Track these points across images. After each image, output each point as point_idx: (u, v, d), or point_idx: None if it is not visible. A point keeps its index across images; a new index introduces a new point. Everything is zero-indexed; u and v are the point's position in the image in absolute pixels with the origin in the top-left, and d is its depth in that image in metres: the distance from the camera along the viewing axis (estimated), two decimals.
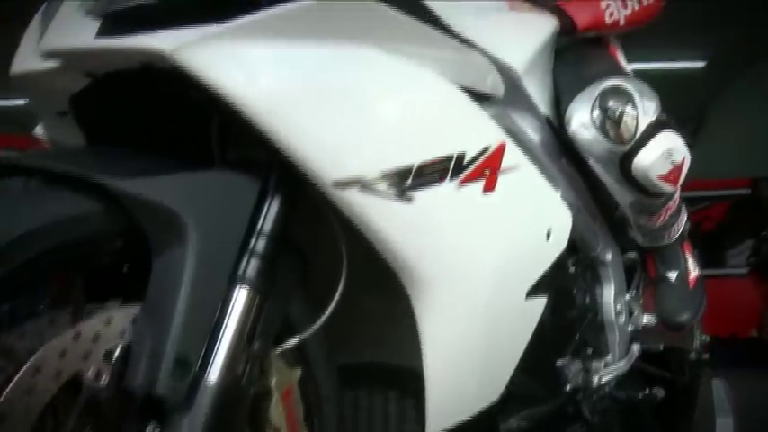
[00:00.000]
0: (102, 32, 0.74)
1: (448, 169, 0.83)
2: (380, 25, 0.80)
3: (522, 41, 1.20)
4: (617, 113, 1.21)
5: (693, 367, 1.87)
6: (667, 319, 1.51)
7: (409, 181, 0.80)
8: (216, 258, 0.73)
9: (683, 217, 1.53)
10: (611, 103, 1.22)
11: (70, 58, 0.79)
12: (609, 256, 1.41)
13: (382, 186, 0.77)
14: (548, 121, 1.28)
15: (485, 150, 0.88)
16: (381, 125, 0.79)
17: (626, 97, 1.23)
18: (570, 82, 1.32)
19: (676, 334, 1.70)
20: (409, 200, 0.80)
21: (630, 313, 1.49)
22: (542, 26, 1.28)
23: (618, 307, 1.41)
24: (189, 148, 0.80)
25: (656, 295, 1.54)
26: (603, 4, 1.43)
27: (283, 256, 0.81)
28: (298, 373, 0.87)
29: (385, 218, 0.78)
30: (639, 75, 1.60)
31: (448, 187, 0.84)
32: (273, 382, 0.83)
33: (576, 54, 1.43)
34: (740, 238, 7.70)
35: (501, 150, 0.91)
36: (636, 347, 1.44)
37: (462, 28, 1.09)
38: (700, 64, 9.60)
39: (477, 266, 0.89)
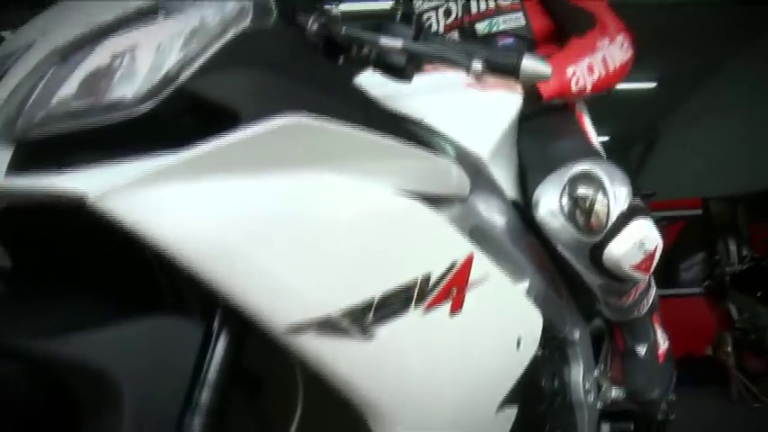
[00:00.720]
0: (14, 166, 0.64)
1: (412, 296, 0.76)
2: (329, 147, 0.73)
3: (487, 126, 1.14)
4: (587, 203, 1.16)
5: (661, 428, 1.83)
6: (637, 394, 1.46)
7: (370, 315, 0.72)
8: (155, 420, 0.65)
9: (653, 290, 1.49)
10: (580, 191, 1.16)
11: None
12: (576, 335, 1.36)
13: (341, 325, 0.70)
14: (514, 203, 1.23)
15: (452, 266, 0.82)
16: (338, 258, 0.71)
17: (596, 184, 1.17)
18: (537, 159, 1.26)
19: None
20: (371, 336, 0.72)
21: (599, 388, 1.44)
22: (506, 107, 1.22)
23: (587, 386, 1.36)
24: (124, 278, 0.72)
25: (625, 369, 1.50)
26: (570, 71, 1.39)
27: (235, 389, 0.73)
28: None
29: (345, 359, 0.71)
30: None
31: (412, 316, 0.77)
32: None
33: (542, 123, 1.38)
34: (694, 258, 7.86)
35: (469, 263, 0.85)
36: (606, 428, 1.39)
37: (423, 113, 1.03)
38: (651, 84, 9.85)
39: (443, 393, 0.82)
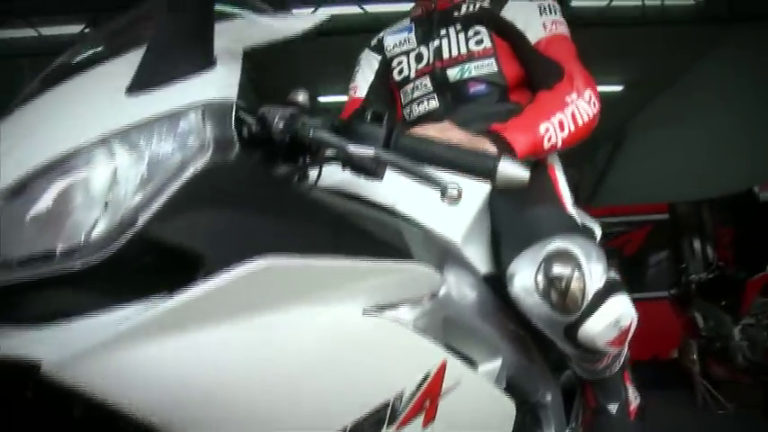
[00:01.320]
0: None
1: (384, 418, 0.74)
2: (297, 283, 0.70)
3: (458, 211, 1.12)
4: (563, 282, 1.14)
5: None
6: None
7: None
8: None
9: (625, 349, 1.49)
10: (556, 270, 1.14)
11: None
12: (548, 398, 1.35)
13: None
14: (488, 277, 1.21)
15: (425, 378, 0.80)
16: (310, 393, 0.69)
17: (572, 263, 1.15)
18: (511, 230, 1.25)
19: None
20: None
21: None
22: (477, 190, 1.20)
23: None
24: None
25: (595, 426, 1.50)
26: (543, 129, 1.37)
27: None
28: None
29: None
30: None
31: None
32: None
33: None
34: (661, 262, 7.99)
35: (442, 371, 0.83)
36: None
37: (395, 199, 1.01)
38: (617, 88, 10.00)
39: None
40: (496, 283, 1.22)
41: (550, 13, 1.56)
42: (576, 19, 7.04)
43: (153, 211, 0.62)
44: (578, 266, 1.15)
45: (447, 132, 1.31)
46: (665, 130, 10.18)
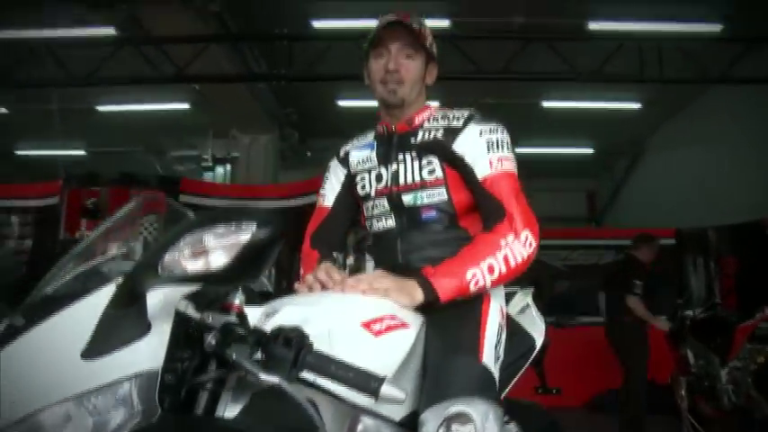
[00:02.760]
0: None
1: None
2: None
3: (381, 365, 1.31)
4: None
5: None
6: None
7: None
8: None
9: None
10: (455, 429, 1.34)
11: None
12: None
13: None
14: (409, 416, 1.41)
15: None
16: None
17: (470, 425, 1.35)
18: (432, 375, 1.44)
19: None
20: None
21: None
22: (399, 345, 1.40)
23: None
24: None
25: None
26: (470, 274, 1.55)
27: None
28: None
29: None
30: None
31: None
32: None
33: (445, 315, 1.55)
34: (664, 287, 8.05)
35: None
36: None
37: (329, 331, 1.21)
38: (636, 105, 10.08)
39: None
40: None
41: (498, 149, 1.72)
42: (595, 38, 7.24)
43: None
44: (473, 428, 1.35)
45: (378, 281, 1.51)
46: (678, 153, 10.21)
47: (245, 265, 0.95)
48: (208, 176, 10.80)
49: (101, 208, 5.78)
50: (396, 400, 0.99)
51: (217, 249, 0.95)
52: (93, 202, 5.80)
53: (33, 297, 1.11)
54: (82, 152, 12.59)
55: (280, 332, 1.02)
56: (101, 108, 8.75)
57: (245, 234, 0.95)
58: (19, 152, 13.00)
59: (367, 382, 1.00)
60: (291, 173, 9.96)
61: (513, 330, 1.84)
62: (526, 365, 1.88)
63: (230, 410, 1.08)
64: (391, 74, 1.77)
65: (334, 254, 1.94)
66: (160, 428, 0.90)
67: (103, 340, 0.92)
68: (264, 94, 9.55)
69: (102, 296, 0.99)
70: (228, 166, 10.80)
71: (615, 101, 9.75)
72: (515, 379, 1.84)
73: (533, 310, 2.11)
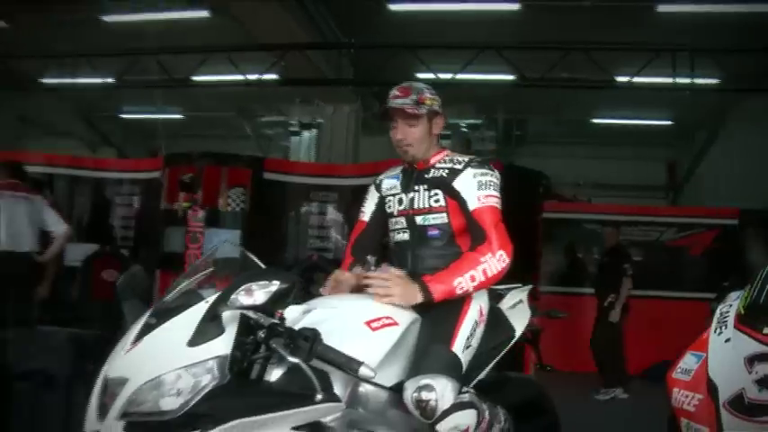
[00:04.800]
0: (126, 429, 1.54)
1: None
2: (257, 426, 1.60)
3: (372, 351, 1.90)
4: (424, 404, 1.95)
5: None
6: None
7: None
8: None
9: (498, 425, 2.23)
10: (423, 395, 1.95)
11: None
12: None
13: None
14: (393, 388, 2.03)
15: None
16: None
17: (432, 392, 1.95)
18: (416, 357, 2.07)
19: None
20: None
21: None
22: (387, 336, 2.00)
23: None
24: None
25: None
26: (456, 282, 2.15)
27: None
28: None
29: None
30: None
31: None
32: None
33: (436, 307, 2.15)
34: (724, 267, 8.21)
35: None
36: None
37: (333, 341, 1.85)
38: (714, 81, 10.01)
39: None
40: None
41: (486, 188, 2.30)
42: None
43: (198, 397, 1.55)
44: (435, 394, 1.96)
45: (393, 279, 2.13)
46: (747, 137, 10.11)
47: (273, 300, 1.65)
48: (294, 140, 11.66)
49: (195, 182, 6.65)
50: (368, 376, 1.64)
51: (258, 292, 1.64)
52: (190, 177, 6.64)
53: (160, 305, 1.80)
54: (179, 116, 13.68)
55: (303, 331, 1.67)
56: (195, 78, 9.59)
57: (274, 285, 1.64)
58: (124, 116, 14.26)
59: (350, 365, 1.65)
60: (373, 140, 10.60)
61: (497, 322, 2.45)
62: (504, 351, 2.48)
63: (273, 377, 1.75)
64: (400, 141, 2.36)
65: (368, 257, 2.56)
66: (230, 385, 1.60)
67: (200, 336, 1.62)
68: (345, 67, 10.16)
69: (200, 309, 1.68)
70: (314, 131, 11.56)
71: (693, 77, 9.74)
72: (495, 360, 2.45)
73: (524, 305, 2.69)
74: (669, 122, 12.59)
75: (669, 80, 9.57)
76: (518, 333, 2.53)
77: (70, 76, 9.71)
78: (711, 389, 1.95)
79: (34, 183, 5.85)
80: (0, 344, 3.64)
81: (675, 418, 2.09)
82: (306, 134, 11.66)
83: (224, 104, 12.25)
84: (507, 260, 2.23)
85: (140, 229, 7.43)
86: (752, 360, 1.92)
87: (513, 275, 2.34)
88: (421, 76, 8.96)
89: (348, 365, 1.67)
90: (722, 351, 2.03)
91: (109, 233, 7.40)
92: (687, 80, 9.73)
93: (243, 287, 1.66)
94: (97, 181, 7.77)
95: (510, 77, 9.21)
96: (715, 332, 2.13)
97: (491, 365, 2.44)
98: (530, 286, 2.81)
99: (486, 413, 2.14)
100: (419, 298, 2.14)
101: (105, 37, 9.39)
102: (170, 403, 1.56)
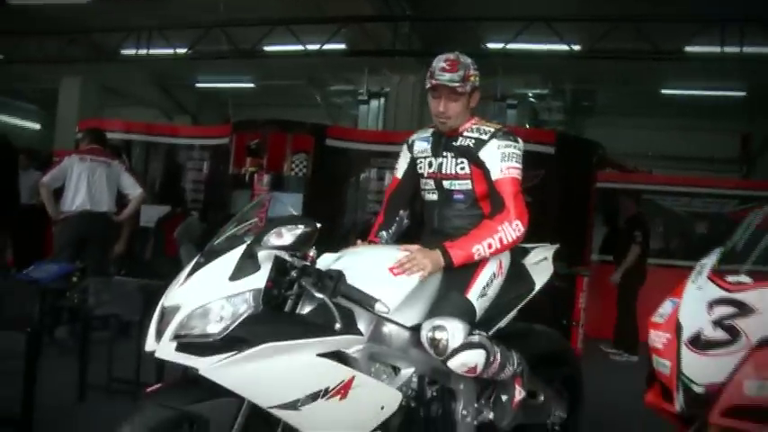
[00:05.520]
0: (177, 349, 1.84)
1: (319, 394, 1.90)
2: (287, 350, 1.87)
3: (392, 293, 2.14)
4: (437, 342, 2.19)
5: None
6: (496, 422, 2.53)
7: (299, 403, 1.88)
8: None
9: (511, 367, 2.45)
10: (436, 334, 2.19)
11: None
12: (461, 386, 2.42)
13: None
14: (413, 328, 2.28)
15: (341, 382, 1.94)
16: (284, 383, 1.88)
17: (444, 332, 2.19)
18: (435, 301, 2.31)
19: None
20: (300, 410, 1.88)
21: (478, 412, 2.50)
22: (408, 281, 2.22)
23: (464, 412, 2.42)
24: None
25: (494, 408, 2.54)
26: (474, 249, 2.34)
27: None
28: None
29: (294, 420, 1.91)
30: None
31: (321, 401, 1.90)
32: None
33: (451, 272, 2.35)
34: None
35: (351, 380, 1.96)
36: None
37: (361, 281, 2.09)
38: None
39: None
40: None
41: (509, 160, 2.46)
42: None
43: (237, 323, 1.84)
44: (446, 334, 2.19)
45: (416, 252, 2.33)
46: None
47: (300, 242, 1.93)
48: (363, 109, 11.99)
49: (261, 148, 6.99)
50: (382, 312, 1.90)
51: (286, 234, 1.92)
52: (256, 143, 6.98)
53: (209, 247, 2.09)
54: (251, 85, 14.16)
55: (328, 272, 1.94)
56: (266, 48, 9.93)
57: (299, 228, 1.93)
58: (199, 84, 14.87)
59: (368, 301, 1.91)
60: None
61: (519, 276, 2.65)
62: (524, 302, 2.69)
63: (303, 311, 2.03)
64: (441, 114, 2.52)
65: (401, 212, 2.80)
66: (263, 314, 1.89)
67: (239, 272, 1.90)
68: (413, 39, 10.31)
69: (240, 251, 1.95)
70: (382, 100, 11.85)
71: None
72: (515, 309, 2.67)
73: (548, 263, 2.88)
74: (743, 93, 12.15)
75: (738, 50, 9.31)
76: (538, 286, 2.73)
77: (146, 47, 10.23)
78: (678, 329, 2.15)
79: (113, 148, 6.32)
80: (81, 291, 4.10)
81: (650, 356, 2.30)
82: (374, 103, 11.96)
83: (295, 74, 12.55)
84: (522, 229, 2.41)
85: (209, 193, 7.87)
86: (712, 304, 2.11)
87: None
88: (490, 45, 9.08)
89: (366, 301, 1.94)
90: (692, 297, 2.22)
91: (180, 196, 7.91)
92: (759, 49, 9.45)
93: (274, 230, 1.94)
94: (170, 146, 8.20)
95: (577, 47, 9.16)
96: (691, 281, 2.32)
97: (511, 314, 2.65)
98: (556, 245, 2.97)
99: (498, 355, 2.35)
100: (441, 262, 2.33)
101: (177, 10, 9.94)
102: (214, 327, 1.84)
